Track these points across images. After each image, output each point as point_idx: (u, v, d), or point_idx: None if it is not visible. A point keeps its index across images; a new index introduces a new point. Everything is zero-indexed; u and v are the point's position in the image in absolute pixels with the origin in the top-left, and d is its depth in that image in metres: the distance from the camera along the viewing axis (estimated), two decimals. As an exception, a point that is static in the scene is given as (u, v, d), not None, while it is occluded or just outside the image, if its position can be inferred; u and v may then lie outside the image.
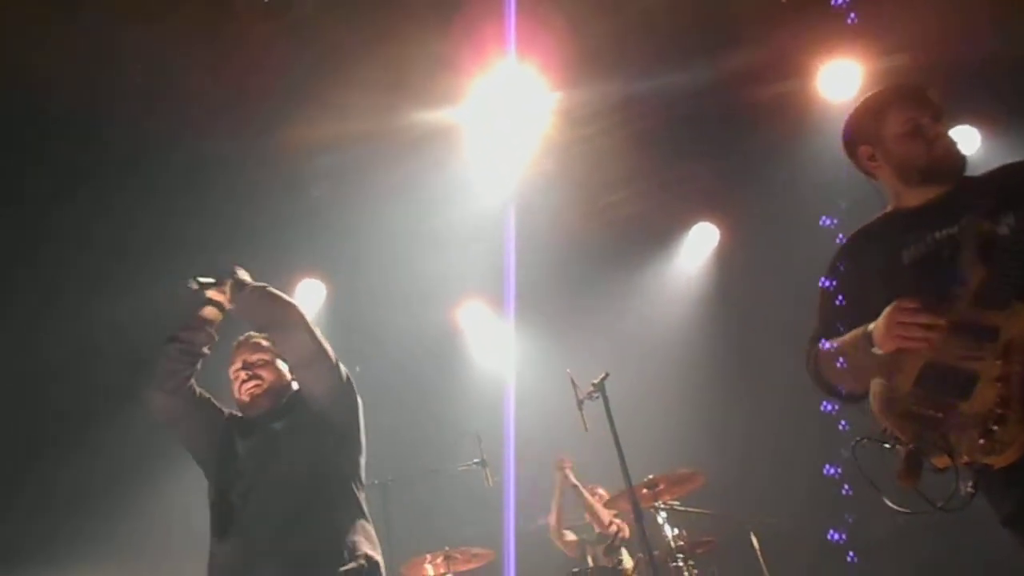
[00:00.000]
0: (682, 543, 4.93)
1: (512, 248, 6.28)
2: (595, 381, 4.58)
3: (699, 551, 5.04)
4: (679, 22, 5.29)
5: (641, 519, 4.27)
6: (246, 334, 2.99)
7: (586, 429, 4.69)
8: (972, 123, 5.97)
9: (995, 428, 1.91)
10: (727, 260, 7.19)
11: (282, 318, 2.77)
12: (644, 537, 4.23)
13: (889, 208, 2.39)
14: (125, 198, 5.40)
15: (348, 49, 5.02)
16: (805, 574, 5.81)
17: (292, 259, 6.23)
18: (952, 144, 2.26)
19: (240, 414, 2.92)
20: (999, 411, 1.91)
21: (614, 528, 5.49)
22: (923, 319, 2.03)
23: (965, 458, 1.97)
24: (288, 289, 2.88)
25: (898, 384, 2.09)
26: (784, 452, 6.16)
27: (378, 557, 2.67)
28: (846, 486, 4.99)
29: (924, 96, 2.32)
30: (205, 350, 2.86)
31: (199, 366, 2.87)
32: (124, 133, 5.07)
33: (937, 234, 2.18)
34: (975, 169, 2.29)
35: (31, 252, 5.45)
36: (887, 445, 2.07)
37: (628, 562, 5.35)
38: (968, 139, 5.97)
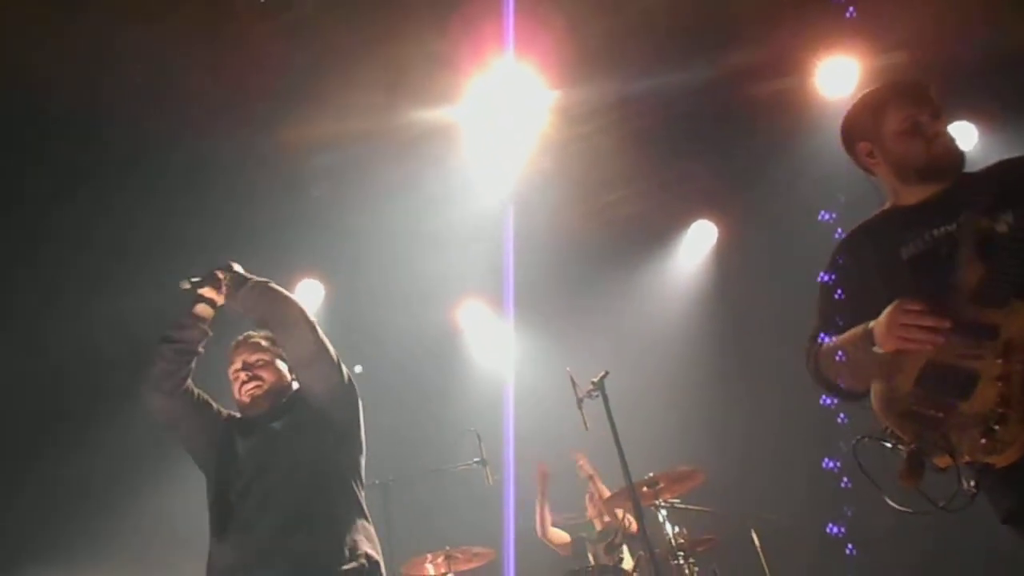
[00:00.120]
0: (683, 541, 4.92)
1: (511, 247, 6.29)
2: (595, 379, 4.57)
3: (700, 549, 5.04)
4: (677, 20, 5.29)
5: (642, 517, 4.29)
6: (245, 334, 2.96)
7: (586, 428, 4.68)
8: (969, 119, 5.97)
9: (996, 427, 1.91)
10: (726, 258, 7.19)
11: (284, 314, 2.75)
12: (645, 535, 4.24)
13: (888, 205, 2.38)
14: (125, 198, 5.40)
15: (347, 49, 5.03)
16: (806, 571, 5.81)
17: (292, 259, 6.21)
18: (951, 142, 2.25)
19: (240, 414, 2.91)
20: (1000, 410, 1.91)
21: (626, 521, 5.47)
22: (927, 321, 2.02)
23: (966, 458, 1.97)
24: (288, 289, 2.86)
25: (898, 384, 2.08)
26: (784, 449, 6.16)
27: (378, 556, 2.66)
28: (845, 479, 4.99)
29: (923, 93, 2.31)
30: (199, 347, 2.84)
31: (194, 364, 2.84)
32: (124, 133, 5.07)
33: (936, 231, 2.17)
34: (972, 166, 2.29)
35: (31, 252, 5.45)
36: (888, 444, 2.07)
37: (628, 560, 5.35)
38: (965, 135, 5.97)
